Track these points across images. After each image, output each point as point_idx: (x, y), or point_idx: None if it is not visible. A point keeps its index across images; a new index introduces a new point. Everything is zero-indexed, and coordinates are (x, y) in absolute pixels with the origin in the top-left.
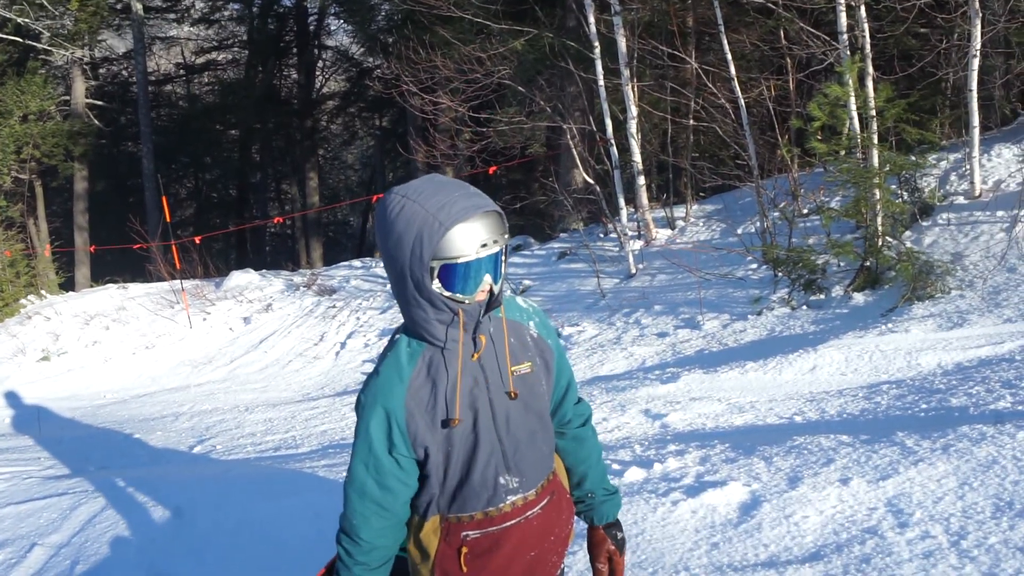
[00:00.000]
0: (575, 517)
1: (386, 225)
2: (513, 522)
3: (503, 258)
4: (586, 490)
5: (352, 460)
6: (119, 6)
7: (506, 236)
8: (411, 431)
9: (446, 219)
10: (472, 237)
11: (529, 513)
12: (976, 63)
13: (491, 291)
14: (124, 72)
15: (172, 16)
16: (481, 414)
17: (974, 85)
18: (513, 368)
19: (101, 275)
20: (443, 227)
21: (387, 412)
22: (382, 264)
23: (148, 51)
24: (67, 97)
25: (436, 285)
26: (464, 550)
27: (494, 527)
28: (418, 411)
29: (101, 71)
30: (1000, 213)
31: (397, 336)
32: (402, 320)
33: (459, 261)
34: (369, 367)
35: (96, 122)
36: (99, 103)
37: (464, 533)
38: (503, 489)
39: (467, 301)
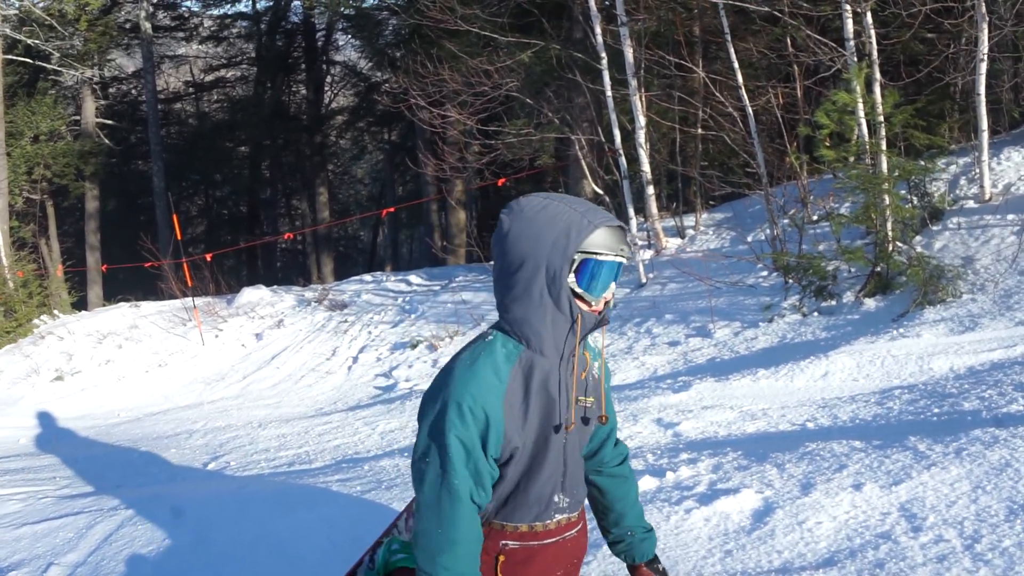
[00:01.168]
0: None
1: (522, 222)
2: (552, 540)
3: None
4: (625, 528)
5: (444, 466)
6: (128, 26)
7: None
8: (507, 433)
9: (594, 219)
10: (613, 239)
11: (567, 534)
12: (984, 67)
13: (607, 303)
14: (134, 91)
15: (181, 35)
16: (552, 430)
17: (982, 89)
18: (579, 398)
19: (113, 294)
20: (592, 224)
21: (487, 412)
22: (496, 268)
23: (157, 70)
24: (77, 117)
25: (571, 280)
26: (501, 558)
27: (535, 542)
28: (511, 413)
29: (111, 90)
30: (1011, 216)
31: (491, 335)
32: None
33: (600, 257)
34: (382, 381)
35: (106, 141)
36: (109, 122)
37: (504, 542)
38: (554, 507)
39: (592, 304)
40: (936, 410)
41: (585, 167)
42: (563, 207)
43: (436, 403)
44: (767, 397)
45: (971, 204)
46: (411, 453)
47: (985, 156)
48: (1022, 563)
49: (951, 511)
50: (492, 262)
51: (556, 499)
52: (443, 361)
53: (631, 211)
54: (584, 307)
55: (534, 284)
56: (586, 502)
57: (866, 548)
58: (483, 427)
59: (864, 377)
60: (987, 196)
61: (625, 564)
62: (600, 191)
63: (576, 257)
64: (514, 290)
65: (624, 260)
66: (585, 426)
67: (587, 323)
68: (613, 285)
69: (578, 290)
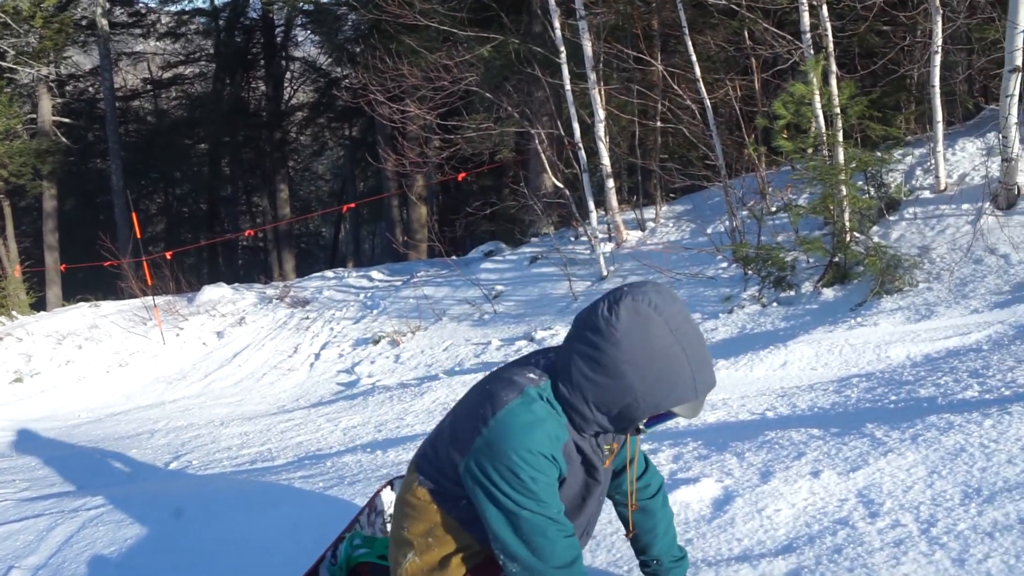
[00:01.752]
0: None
1: (644, 350)
2: None
3: None
4: (652, 556)
5: (538, 502)
6: (84, 22)
7: None
8: (565, 475)
9: (701, 386)
10: (700, 406)
11: None
12: (938, 59)
13: None
14: (91, 89)
15: (138, 31)
16: (592, 496)
17: (936, 81)
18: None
19: (72, 294)
20: (695, 393)
21: (554, 455)
22: (591, 350)
23: (114, 67)
24: (34, 115)
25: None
26: None
27: None
28: (565, 461)
29: (68, 88)
30: (965, 206)
31: (546, 394)
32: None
33: (677, 415)
34: (344, 377)
35: (64, 139)
36: (66, 120)
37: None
38: None
39: (642, 431)
40: (893, 397)
41: (545, 161)
42: (682, 356)
43: (502, 452)
44: (727, 387)
45: (927, 194)
46: (482, 505)
47: (940, 147)
48: (977, 546)
49: (907, 496)
50: (588, 327)
51: None
52: (405, 356)
53: (591, 204)
54: (642, 430)
55: (614, 401)
56: None
57: (824, 534)
58: (553, 469)
59: (822, 366)
60: (942, 186)
61: None
62: (560, 185)
63: (663, 410)
64: (593, 388)
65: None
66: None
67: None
68: None
69: (641, 427)
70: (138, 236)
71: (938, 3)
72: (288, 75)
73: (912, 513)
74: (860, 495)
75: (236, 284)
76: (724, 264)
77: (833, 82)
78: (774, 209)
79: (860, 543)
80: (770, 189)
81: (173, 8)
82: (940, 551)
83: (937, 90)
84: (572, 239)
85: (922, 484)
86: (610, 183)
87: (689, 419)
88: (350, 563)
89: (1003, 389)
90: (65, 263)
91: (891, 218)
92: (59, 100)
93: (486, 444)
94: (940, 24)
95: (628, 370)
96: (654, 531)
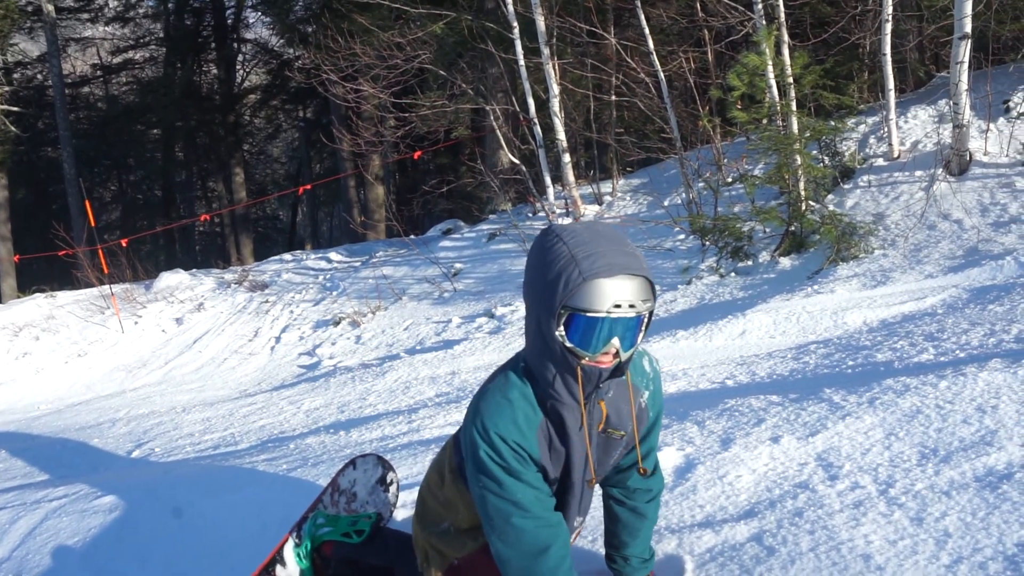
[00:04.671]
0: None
1: (533, 260)
2: None
3: (642, 327)
4: (623, 555)
5: (506, 495)
6: (30, 8)
7: (649, 304)
8: (540, 461)
9: (587, 270)
10: (607, 295)
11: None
12: (889, 27)
13: (618, 357)
14: (39, 76)
15: (85, 16)
16: (575, 474)
17: (888, 49)
18: (610, 430)
19: (28, 285)
20: (581, 276)
21: (525, 446)
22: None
23: (63, 53)
24: None
25: (560, 332)
26: None
27: None
28: (544, 445)
29: (15, 76)
30: (918, 173)
31: (520, 367)
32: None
33: (587, 315)
34: (305, 360)
35: (13, 128)
36: (15, 109)
37: None
38: (571, 528)
39: (586, 360)
40: (850, 362)
41: (501, 137)
42: (563, 249)
43: (467, 432)
44: (687, 357)
45: (880, 162)
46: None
47: (892, 115)
48: (934, 504)
49: (866, 458)
50: None
51: (575, 523)
52: (366, 337)
53: (548, 179)
54: (583, 355)
55: (530, 329)
56: None
57: (785, 498)
58: (514, 455)
59: (781, 334)
60: (896, 154)
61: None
62: (517, 161)
63: (562, 312)
64: (527, 329)
65: (633, 313)
66: (614, 452)
67: (590, 377)
68: (615, 342)
69: (568, 345)
70: (92, 224)
71: None
72: (240, 57)
73: (871, 475)
74: (819, 459)
75: (194, 270)
76: (682, 236)
77: (786, 52)
78: (730, 180)
79: (820, 506)
80: (726, 160)
81: None
82: (899, 511)
83: (888, 58)
84: (530, 215)
85: (880, 446)
86: (566, 158)
87: (608, 312)
88: (315, 542)
89: (958, 351)
90: (19, 254)
91: (846, 186)
92: (6, 88)
93: (463, 428)
94: None
95: (527, 285)
96: (637, 533)
